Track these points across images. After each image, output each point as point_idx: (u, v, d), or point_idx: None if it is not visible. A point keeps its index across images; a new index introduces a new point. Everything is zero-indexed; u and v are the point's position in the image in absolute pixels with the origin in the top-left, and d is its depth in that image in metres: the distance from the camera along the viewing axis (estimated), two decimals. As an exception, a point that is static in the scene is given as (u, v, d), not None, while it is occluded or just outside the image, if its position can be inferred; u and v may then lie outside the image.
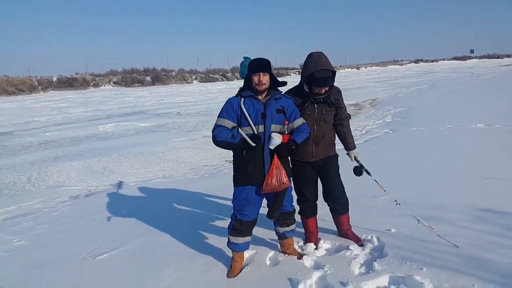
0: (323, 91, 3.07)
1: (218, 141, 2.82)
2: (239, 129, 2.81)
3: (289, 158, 3.19)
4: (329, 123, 3.25)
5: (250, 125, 2.82)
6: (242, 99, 2.88)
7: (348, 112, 3.43)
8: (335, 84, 3.16)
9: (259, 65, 2.86)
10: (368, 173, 3.38)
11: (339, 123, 3.34)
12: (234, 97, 2.94)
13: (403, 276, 2.76)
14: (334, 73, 3.04)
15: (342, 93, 3.33)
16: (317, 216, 3.45)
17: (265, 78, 2.85)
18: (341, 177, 3.38)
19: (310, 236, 3.45)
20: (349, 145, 3.39)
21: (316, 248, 3.34)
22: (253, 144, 2.75)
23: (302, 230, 3.54)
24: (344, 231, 3.48)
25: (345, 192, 3.38)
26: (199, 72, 53.97)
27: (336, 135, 3.41)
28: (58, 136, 11.93)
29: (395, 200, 3.43)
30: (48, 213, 5.14)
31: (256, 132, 2.82)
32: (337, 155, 3.41)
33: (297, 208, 3.31)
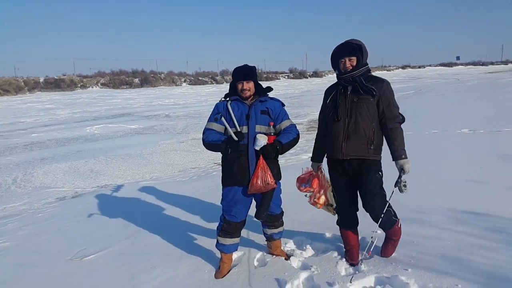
0: (348, 64, 2.81)
1: (207, 143, 2.94)
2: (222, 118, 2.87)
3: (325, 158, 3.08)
4: (366, 116, 2.79)
5: (234, 126, 2.88)
6: (229, 101, 2.97)
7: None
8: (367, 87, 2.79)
9: (242, 73, 2.95)
10: (401, 186, 2.83)
11: (383, 121, 2.85)
12: (220, 102, 3.03)
13: (388, 277, 2.81)
14: (360, 46, 2.82)
15: (391, 87, 2.90)
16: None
17: (248, 86, 2.93)
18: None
19: (351, 249, 3.09)
20: (392, 153, 2.88)
21: (304, 250, 3.36)
22: (236, 138, 2.80)
23: (291, 229, 3.56)
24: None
25: (382, 210, 2.83)
26: (188, 74, 53.99)
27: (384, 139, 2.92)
28: (44, 137, 11.78)
29: None
30: (34, 214, 5.08)
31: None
32: (377, 162, 2.91)
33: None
